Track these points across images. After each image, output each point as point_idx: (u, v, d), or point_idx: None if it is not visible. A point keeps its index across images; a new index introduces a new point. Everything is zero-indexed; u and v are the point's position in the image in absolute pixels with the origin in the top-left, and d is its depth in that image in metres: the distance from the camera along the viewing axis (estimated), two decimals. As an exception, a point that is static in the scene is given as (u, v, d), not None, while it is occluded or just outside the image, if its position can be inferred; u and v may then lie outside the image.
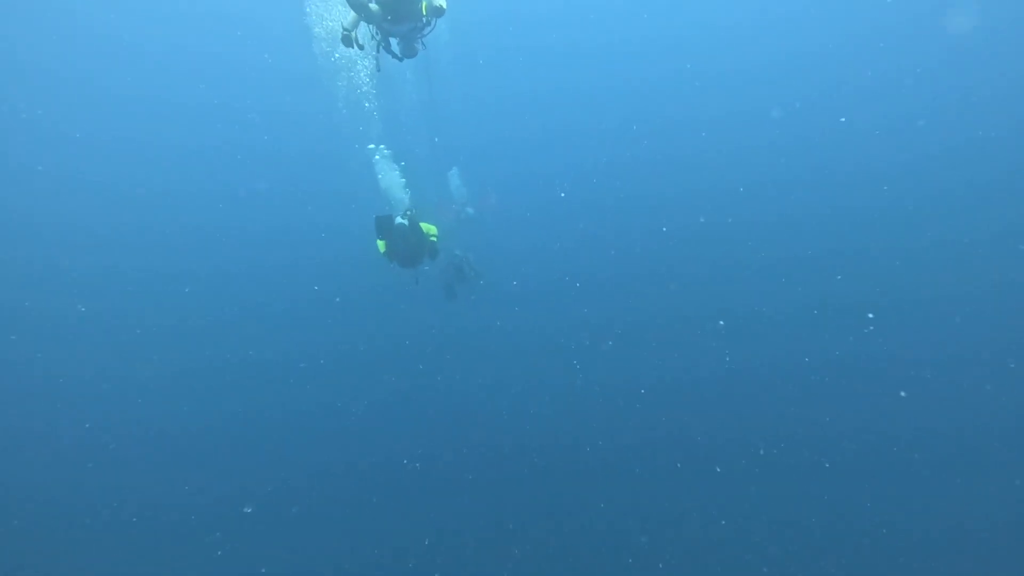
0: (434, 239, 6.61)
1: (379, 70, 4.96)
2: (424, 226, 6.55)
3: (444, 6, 4.65)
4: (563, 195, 17.49)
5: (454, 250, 10.15)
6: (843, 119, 15.62)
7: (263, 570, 9.54)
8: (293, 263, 15.96)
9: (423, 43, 4.85)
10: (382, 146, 9.62)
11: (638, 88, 18.39)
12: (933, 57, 15.78)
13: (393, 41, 4.92)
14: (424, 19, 4.64)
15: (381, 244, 6.34)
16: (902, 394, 11.11)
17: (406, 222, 6.17)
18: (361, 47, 4.59)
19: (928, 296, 12.68)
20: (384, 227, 5.97)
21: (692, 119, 17.33)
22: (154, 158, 16.83)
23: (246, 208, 17.26)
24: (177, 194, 16.52)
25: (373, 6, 4.52)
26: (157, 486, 10.77)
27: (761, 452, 11.03)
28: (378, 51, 4.79)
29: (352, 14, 4.56)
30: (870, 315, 12.48)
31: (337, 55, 10.59)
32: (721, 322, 12.90)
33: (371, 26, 4.72)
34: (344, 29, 4.53)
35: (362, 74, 10.60)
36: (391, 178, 8.68)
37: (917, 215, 14.08)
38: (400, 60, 4.88)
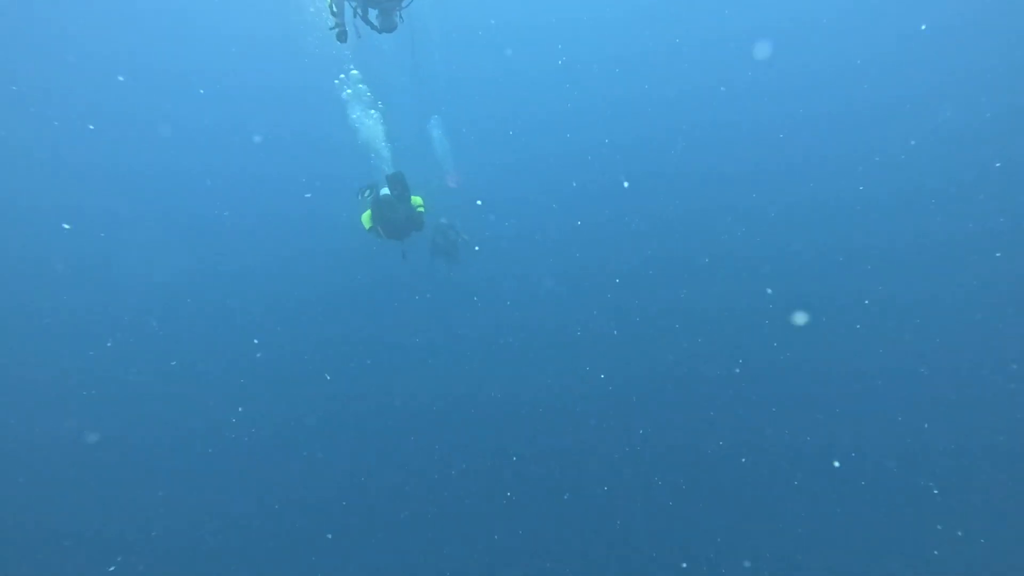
0: (421, 210, 6.32)
1: (359, 36, 4.85)
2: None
3: None
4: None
5: (439, 218, 9.31)
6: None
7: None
8: (271, 246, 13.97)
9: (401, 15, 4.79)
10: (354, 71, 7.57)
11: (630, 62, 16.76)
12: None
13: (372, 12, 4.84)
14: None
15: (366, 219, 6.08)
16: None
17: (391, 192, 5.92)
18: (335, 14, 4.52)
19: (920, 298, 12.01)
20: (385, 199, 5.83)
21: (696, 100, 15.91)
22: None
23: (201, 185, 14.85)
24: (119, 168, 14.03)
25: None
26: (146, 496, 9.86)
27: (758, 455, 10.26)
28: (355, 16, 4.73)
29: None
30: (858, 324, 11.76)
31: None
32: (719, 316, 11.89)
33: None
34: (332, 14, 4.47)
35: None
36: (370, 127, 6.95)
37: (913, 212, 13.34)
38: (379, 32, 4.83)
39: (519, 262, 13.68)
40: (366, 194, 6.09)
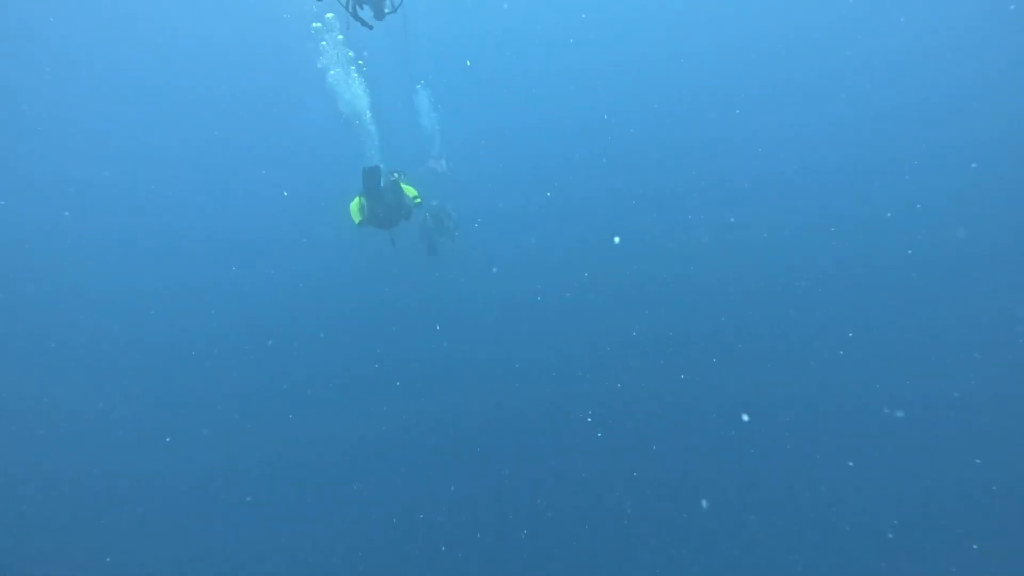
0: (418, 200, 6.33)
1: (348, 28, 5.00)
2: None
3: None
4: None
5: (431, 200, 8.55)
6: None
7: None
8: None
9: (393, 4, 4.92)
10: (330, 15, 6.33)
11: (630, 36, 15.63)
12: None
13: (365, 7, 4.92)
14: None
15: (354, 211, 5.97)
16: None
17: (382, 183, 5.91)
18: None
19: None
20: (370, 182, 5.73)
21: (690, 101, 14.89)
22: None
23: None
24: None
25: None
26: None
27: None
28: (347, 10, 4.78)
29: None
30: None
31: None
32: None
33: None
34: None
35: None
36: (352, 91, 5.95)
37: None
38: (371, 28, 4.89)
39: (510, 255, 12.66)
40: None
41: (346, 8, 4.75)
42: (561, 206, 13.91)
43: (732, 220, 12.48)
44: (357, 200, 5.89)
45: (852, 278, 11.77)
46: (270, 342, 11.13)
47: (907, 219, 12.34)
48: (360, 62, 7.38)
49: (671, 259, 12.26)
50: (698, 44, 14.94)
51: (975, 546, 8.24)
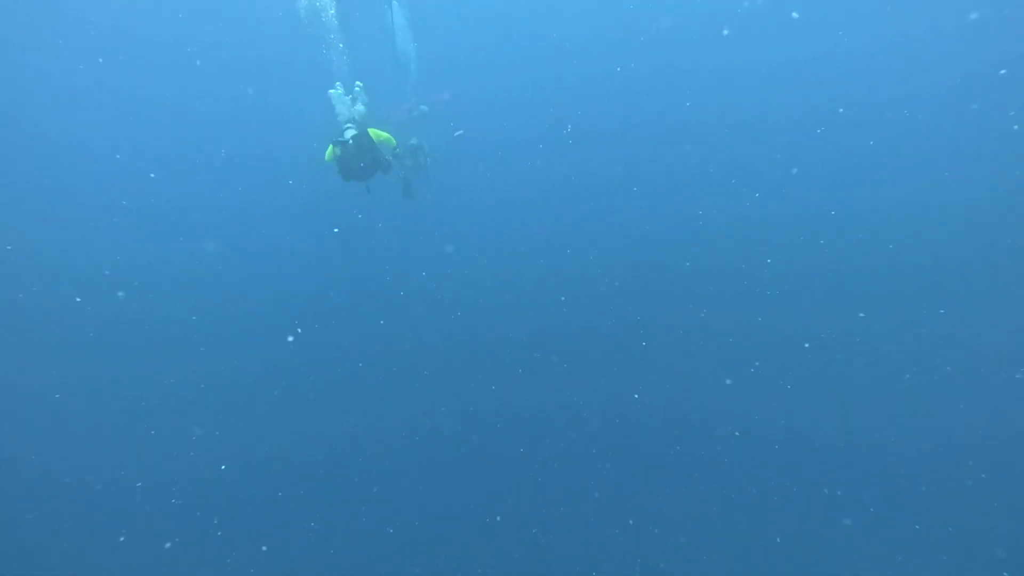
0: (398, 151, 6.36)
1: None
2: (376, 133, 6.07)
3: None
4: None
5: (409, 140, 8.28)
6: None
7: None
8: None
9: None
10: None
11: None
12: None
13: None
14: None
15: (330, 159, 5.85)
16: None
17: (355, 131, 5.69)
18: None
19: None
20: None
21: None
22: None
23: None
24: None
25: None
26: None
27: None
28: None
29: None
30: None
31: None
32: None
33: None
34: None
35: None
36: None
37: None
38: None
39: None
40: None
41: None
42: (557, 181, 12.95)
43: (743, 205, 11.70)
44: (331, 148, 5.74)
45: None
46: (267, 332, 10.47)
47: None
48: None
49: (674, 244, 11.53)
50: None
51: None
